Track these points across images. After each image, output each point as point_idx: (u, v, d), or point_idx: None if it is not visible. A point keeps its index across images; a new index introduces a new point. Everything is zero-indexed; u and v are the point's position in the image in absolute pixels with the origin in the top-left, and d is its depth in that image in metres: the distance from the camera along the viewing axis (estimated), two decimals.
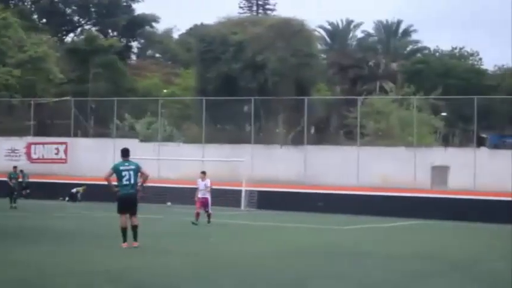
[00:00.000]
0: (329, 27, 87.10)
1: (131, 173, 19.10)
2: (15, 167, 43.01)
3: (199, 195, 31.46)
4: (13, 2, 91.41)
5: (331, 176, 48.42)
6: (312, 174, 49.72)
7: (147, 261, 16.94)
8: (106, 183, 19.55)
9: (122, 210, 19.35)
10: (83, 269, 15.50)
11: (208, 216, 31.28)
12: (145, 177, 19.78)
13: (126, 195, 19.15)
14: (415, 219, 39.00)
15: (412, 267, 17.56)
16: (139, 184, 19.82)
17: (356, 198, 44.86)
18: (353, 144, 51.89)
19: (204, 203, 31.36)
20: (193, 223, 30.09)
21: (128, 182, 19.06)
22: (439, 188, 46.43)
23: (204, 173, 32.63)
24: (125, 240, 19.11)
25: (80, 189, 49.93)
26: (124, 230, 19.22)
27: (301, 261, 18.09)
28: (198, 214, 30.91)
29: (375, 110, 57.41)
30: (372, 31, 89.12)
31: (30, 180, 50.75)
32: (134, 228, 19.30)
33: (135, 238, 19.20)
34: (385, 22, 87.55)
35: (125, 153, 19.61)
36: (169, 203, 47.57)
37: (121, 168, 19.19)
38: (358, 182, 47.90)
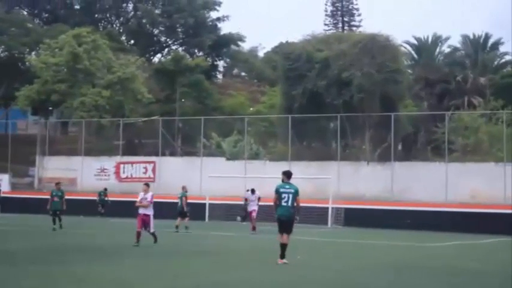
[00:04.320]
0: (415, 42, 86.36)
1: (290, 195, 19.98)
2: (57, 184, 37.45)
3: (140, 211, 26.68)
4: (102, 24, 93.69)
5: (419, 193, 48.02)
6: (399, 190, 49.39)
7: (238, 277, 17.18)
8: (272, 203, 20.45)
9: (280, 229, 20.19)
10: (185, 282, 15.99)
11: (153, 236, 26.72)
12: (297, 204, 20.34)
13: (283, 216, 20.06)
14: (506, 236, 38.18)
15: (498, 285, 17.24)
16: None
17: (444, 215, 44.21)
18: (441, 160, 51.32)
19: (145, 221, 26.43)
20: (134, 245, 25.41)
21: (286, 204, 19.95)
22: None
23: (147, 184, 28.24)
24: (282, 257, 19.84)
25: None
26: (282, 246, 19.99)
27: (390, 277, 17.92)
28: (138, 234, 26.05)
29: (463, 125, 56.66)
30: (458, 45, 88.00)
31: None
32: (284, 246, 20.04)
33: (282, 256, 19.92)
34: (472, 36, 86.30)
35: (288, 175, 20.51)
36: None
37: (281, 190, 20.13)
38: (446, 198, 47.34)
